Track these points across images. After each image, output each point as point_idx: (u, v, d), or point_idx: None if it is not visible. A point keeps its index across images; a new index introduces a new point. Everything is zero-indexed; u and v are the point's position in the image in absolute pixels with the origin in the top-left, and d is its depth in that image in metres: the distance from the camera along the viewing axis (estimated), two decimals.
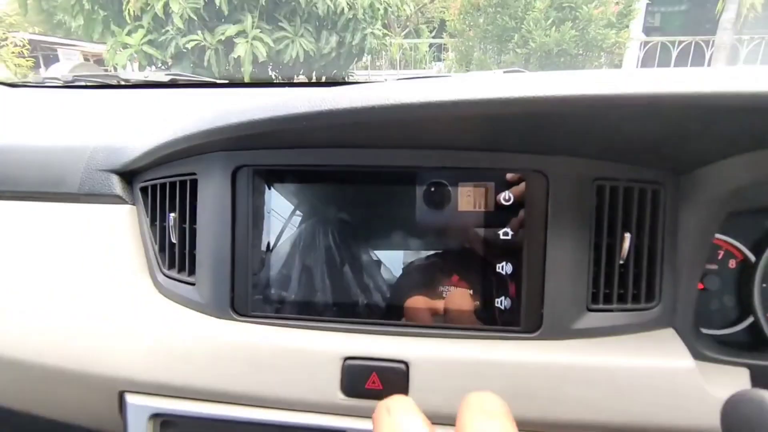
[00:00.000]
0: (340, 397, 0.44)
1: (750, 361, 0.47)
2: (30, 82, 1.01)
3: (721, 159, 0.44)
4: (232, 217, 0.48)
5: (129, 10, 3.92)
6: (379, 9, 4.13)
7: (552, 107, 0.36)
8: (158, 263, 0.53)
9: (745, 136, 0.41)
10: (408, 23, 8.16)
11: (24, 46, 5.88)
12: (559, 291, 0.45)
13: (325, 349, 0.44)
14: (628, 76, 0.36)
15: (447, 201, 0.46)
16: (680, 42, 6.71)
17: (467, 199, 0.45)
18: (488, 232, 0.45)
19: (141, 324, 0.47)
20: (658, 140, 0.42)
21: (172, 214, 0.52)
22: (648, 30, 8.12)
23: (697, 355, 0.46)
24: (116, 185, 0.54)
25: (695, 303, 0.48)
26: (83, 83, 1.03)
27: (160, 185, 0.53)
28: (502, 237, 0.45)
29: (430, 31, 8.79)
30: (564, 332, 0.45)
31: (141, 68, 4.60)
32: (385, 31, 5.11)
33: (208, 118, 0.46)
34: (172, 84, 1.04)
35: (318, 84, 1.13)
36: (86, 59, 7.76)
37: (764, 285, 0.57)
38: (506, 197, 0.45)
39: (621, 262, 0.46)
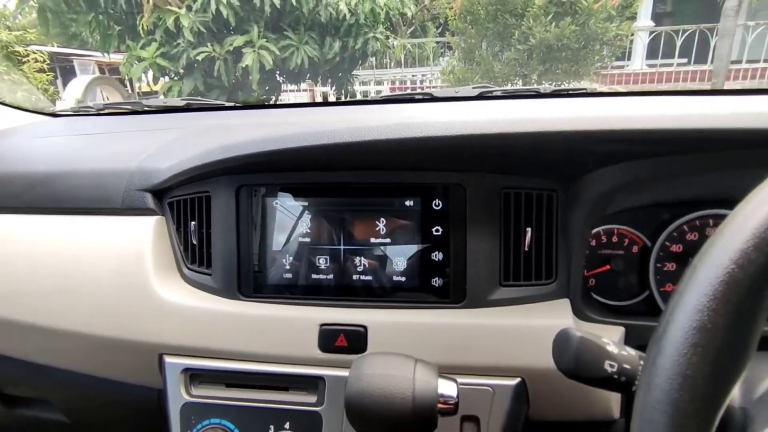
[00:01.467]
0: (317, 353, 0.60)
1: (627, 321, 0.62)
2: (68, 112, 1.19)
3: (596, 170, 0.59)
4: (237, 224, 0.65)
5: (143, 25, 4.14)
6: (380, 13, 4.28)
7: (463, 142, 0.52)
8: (183, 259, 0.70)
9: (609, 155, 0.56)
10: (414, 21, 8.27)
11: (44, 61, 6.16)
12: (477, 272, 0.60)
13: (306, 318, 0.61)
14: (520, 119, 0.51)
15: (396, 207, 0.62)
16: (684, 30, 6.70)
17: (409, 205, 0.61)
18: (424, 229, 0.61)
19: (174, 304, 0.64)
20: (544, 159, 0.57)
21: (193, 222, 0.68)
22: (659, 17, 8.09)
23: (586, 318, 0.62)
24: (150, 201, 0.71)
25: (583, 278, 0.62)
26: (112, 111, 1.21)
27: (183, 200, 0.69)
28: (434, 233, 0.61)
29: (437, 27, 8.88)
30: (483, 302, 0.60)
31: (155, 79, 4.81)
32: (388, 34, 5.24)
33: (217, 150, 0.63)
34: (187, 108, 1.21)
35: (313, 105, 1.29)
36: (101, 70, 8.03)
37: (658, 265, 0.72)
38: (436, 203, 0.61)
39: (526, 249, 0.61)
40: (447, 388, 0.45)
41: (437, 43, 8.14)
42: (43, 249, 0.71)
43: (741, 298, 0.28)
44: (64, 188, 0.75)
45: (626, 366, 0.41)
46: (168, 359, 0.64)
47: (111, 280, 0.67)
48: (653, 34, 6.98)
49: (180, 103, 1.25)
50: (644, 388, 0.29)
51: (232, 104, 1.22)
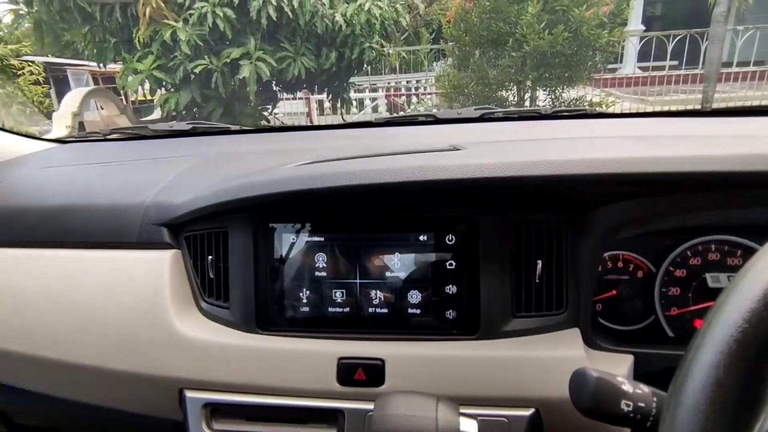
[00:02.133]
0: (336, 386, 0.61)
1: (636, 350, 0.64)
2: (76, 138, 1.20)
3: (604, 205, 0.61)
4: (255, 259, 0.66)
5: (139, 38, 4.15)
6: (375, 23, 4.31)
7: (477, 182, 0.54)
8: (200, 293, 0.71)
9: (620, 193, 0.58)
10: (408, 28, 8.32)
11: (39, 74, 6.15)
12: (490, 304, 0.62)
13: (324, 351, 0.62)
14: (519, 159, 0.53)
15: (410, 242, 0.64)
16: (675, 35, 6.78)
17: (423, 240, 0.63)
18: (438, 263, 0.63)
19: (192, 339, 0.65)
20: (553, 195, 0.59)
21: (210, 257, 0.70)
22: (649, 20, 8.19)
23: (596, 347, 0.63)
24: (166, 235, 0.72)
25: (592, 308, 0.64)
26: (119, 136, 1.22)
27: (200, 235, 0.71)
28: (447, 267, 0.63)
29: (430, 33, 8.94)
30: (496, 334, 0.62)
31: (151, 92, 4.80)
32: (384, 42, 5.28)
33: (235, 188, 0.65)
34: (194, 132, 1.23)
35: (315, 128, 1.31)
36: (95, 79, 8.00)
37: (663, 290, 0.74)
38: (449, 238, 0.63)
39: (537, 281, 0.63)
40: (468, 426, 0.46)
41: (431, 50, 8.20)
42: (60, 283, 0.72)
43: (753, 355, 0.30)
44: (78, 222, 0.77)
45: (641, 404, 0.43)
46: (189, 394, 0.65)
47: (128, 314, 0.68)
48: (644, 39, 7.06)
49: (186, 127, 1.26)
50: None
51: (238, 128, 1.24)
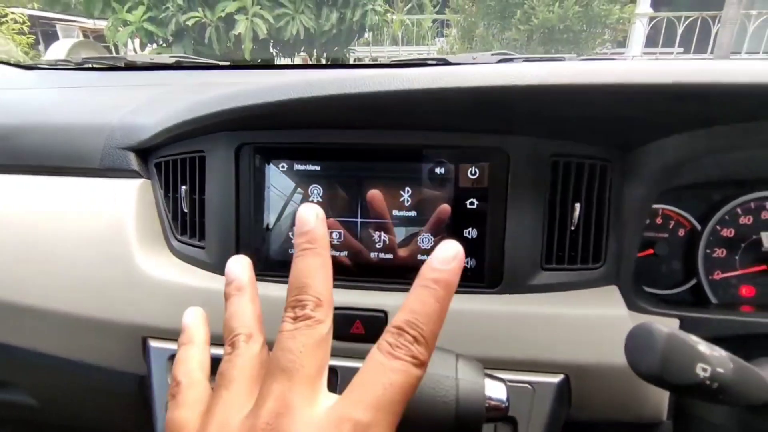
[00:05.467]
0: None
1: (682, 313, 0.55)
2: (43, 65, 1.06)
3: (657, 139, 0.50)
4: (236, 189, 0.56)
5: None
6: None
7: (510, 95, 0.43)
8: (172, 230, 0.60)
9: (674, 120, 0.47)
10: None
11: (24, 22, 5.85)
12: (516, 253, 0.52)
13: None
14: (569, 68, 0.42)
15: (424, 175, 0.53)
16: (687, 17, 6.61)
17: (440, 173, 0.52)
18: (457, 202, 0.52)
19: (160, 280, 0.55)
20: (602, 122, 0.48)
21: (184, 187, 0.59)
22: (657, 3, 7.97)
23: (638, 309, 0.54)
24: (133, 162, 0.61)
25: (635, 264, 0.55)
26: (93, 65, 1.09)
27: (173, 161, 0.60)
28: (468, 206, 0.52)
29: (434, 6, 8.66)
30: (521, 287, 0.52)
31: (142, 46, 4.59)
32: (387, 8, 5.06)
33: (213, 101, 0.53)
34: (177, 66, 1.10)
35: (316, 66, 1.18)
36: (86, 35, 7.68)
37: (708, 251, 0.65)
38: (473, 171, 0.52)
39: (572, 228, 0.53)
40: (495, 389, 0.37)
41: (434, 21, 7.94)
42: (7, 213, 0.61)
43: None
44: (32, 143, 0.65)
45: (720, 370, 0.34)
46: (153, 343, 0.55)
47: (87, 250, 0.58)
48: (654, 21, 6.87)
49: (169, 60, 1.13)
50: None
51: (227, 63, 1.11)
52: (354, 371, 0.50)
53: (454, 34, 6.93)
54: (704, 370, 0.33)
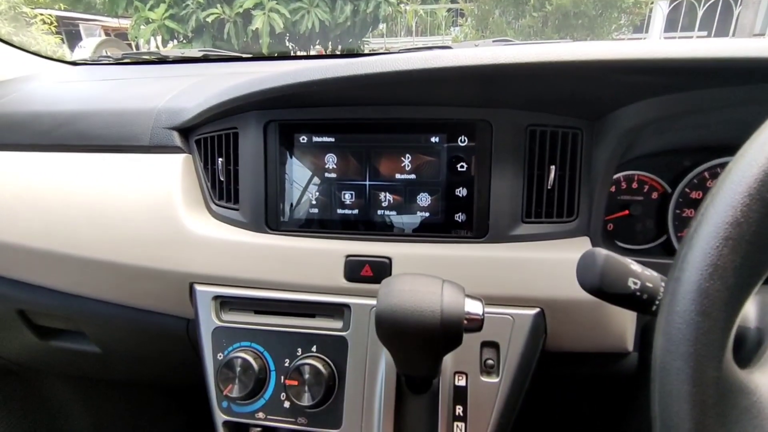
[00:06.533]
0: (343, 282, 0.62)
1: (644, 259, 0.63)
2: (88, 61, 1.19)
3: (623, 106, 0.59)
4: (265, 159, 0.66)
5: None
6: None
7: (487, 73, 0.52)
8: (210, 196, 0.71)
9: (640, 88, 0.56)
10: None
11: (52, 23, 6.09)
12: (500, 208, 0.61)
13: (332, 249, 0.63)
14: (536, 49, 0.51)
15: (421, 143, 0.63)
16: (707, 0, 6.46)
17: (435, 141, 0.62)
18: (450, 166, 0.62)
19: (203, 236, 0.66)
20: (569, 95, 0.57)
21: (220, 159, 0.70)
22: None
23: None
24: (177, 139, 0.72)
25: (603, 217, 0.64)
26: (131, 60, 1.21)
27: (210, 138, 0.71)
28: (459, 169, 0.62)
29: None
30: (504, 237, 0.62)
31: (164, 42, 4.74)
32: None
33: (245, 85, 0.64)
34: (204, 59, 1.21)
35: (332, 56, 1.28)
36: (107, 34, 7.92)
37: (677, 211, 0.73)
38: (462, 140, 0.62)
39: (549, 187, 0.62)
40: (473, 306, 0.47)
41: (449, 10, 7.92)
42: (75, 184, 0.73)
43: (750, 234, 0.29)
44: (91, 127, 0.77)
45: (648, 284, 0.43)
46: (198, 288, 0.66)
47: (141, 213, 0.69)
48: (674, 3, 6.74)
49: (197, 54, 1.25)
50: (674, 283, 0.31)
51: (249, 55, 1.22)
52: (364, 307, 0.60)
53: (469, 23, 6.90)
54: (635, 283, 0.43)
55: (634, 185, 0.75)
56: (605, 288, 0.43)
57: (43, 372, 1.13)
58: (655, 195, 0.74)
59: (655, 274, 0.44)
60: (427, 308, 0.45)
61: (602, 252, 0.43)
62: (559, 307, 0.59)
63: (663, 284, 0.44)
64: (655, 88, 0.55)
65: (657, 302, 0.43)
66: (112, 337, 0.81)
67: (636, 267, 0.43)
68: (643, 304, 0.43)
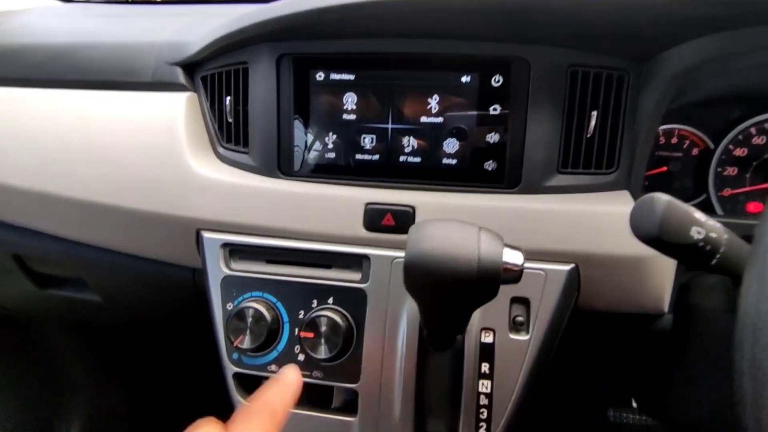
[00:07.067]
0: (362, 232, 0.58)
1: None
2: None
3: (673, 46, 0.53)
4: (277, 97, 0.61)
5: None
6: None
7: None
8: (218, 138, 0.66)
9: (693, 23, 0.50)
10: None
11: None
12: (535, 156, 0.56)
13: (351, 197, 0.58)
14: None
15: (451, 83, 0.57)
16: None
17: (466, 81, 0.56)
18: (481, 108, 0.57)
19: (211, 179, 0.61)
20: (618, 31, 0.51)
21: (228, 98, 0.64)
22: None
23: None
24: (180, 76, 0.66)
25: (645, 174, 0.59)
26: None
27: (218, 74, 0.65)
28: (491, 113, 0.56)
29: None
30: (538, 189, 0.57)
31: None
32: None
33: (257, 12, 0.57)
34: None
35: None
36: None
37: (719, 169, 0.68)
38: (496, 80, 0.56)
39: (588, 135, 0.57)
40: (512, 255, 0.42)
41: None
42: (71, 122, 0.68)
43: None
44: (89, 60, 0.71)
45: (712, 234, 0.39)
46: (206, 234, 0.62)
47: (143, 153, 0.64)
48: None
49: None
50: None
51: None
52: (384, 259, 0.56)
53: None
54: (698, 232, 0.38)
55: (674, 140, 0.70)
56: (664, 236, 0.38)
57: (42, 320, 1.11)
58: (695, 151, 0.69)
59: (719, 224, 0.40)
60: (463, 256, 0.40)
61: (663, 197, 0.39)
62: (595, 264, 0.55)
63: (726, 236, 0.39)
64: (719, 21, 0.49)
65: (718, 255, 0.39)
66: (113, 286, 0.77)
67: (700, 215, 0.39)
68: (704, 256, 0.39)
